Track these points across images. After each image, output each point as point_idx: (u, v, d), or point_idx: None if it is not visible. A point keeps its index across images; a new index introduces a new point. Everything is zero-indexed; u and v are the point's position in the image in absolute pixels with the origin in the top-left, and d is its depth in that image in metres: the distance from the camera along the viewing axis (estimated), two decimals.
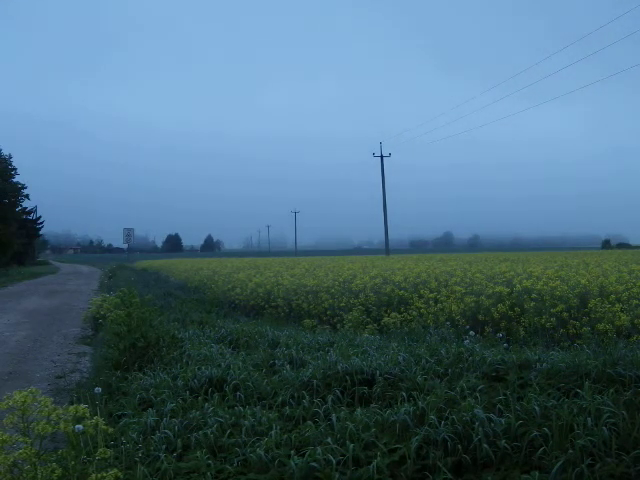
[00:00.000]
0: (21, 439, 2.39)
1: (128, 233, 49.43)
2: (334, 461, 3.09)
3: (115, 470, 2.47)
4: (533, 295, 8.02)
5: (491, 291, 8.50)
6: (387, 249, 44.51)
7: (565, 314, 7.21)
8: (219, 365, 5.35)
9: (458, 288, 8.97)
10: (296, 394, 4.45)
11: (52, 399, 2.57)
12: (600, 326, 6.59)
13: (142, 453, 3.36)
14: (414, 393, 4.21)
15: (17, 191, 45.84)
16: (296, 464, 3.09)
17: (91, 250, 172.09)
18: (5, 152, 44.71)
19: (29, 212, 54.01)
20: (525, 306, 7.67)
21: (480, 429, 3.33)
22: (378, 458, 3.12)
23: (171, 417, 3.97)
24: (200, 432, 3.64)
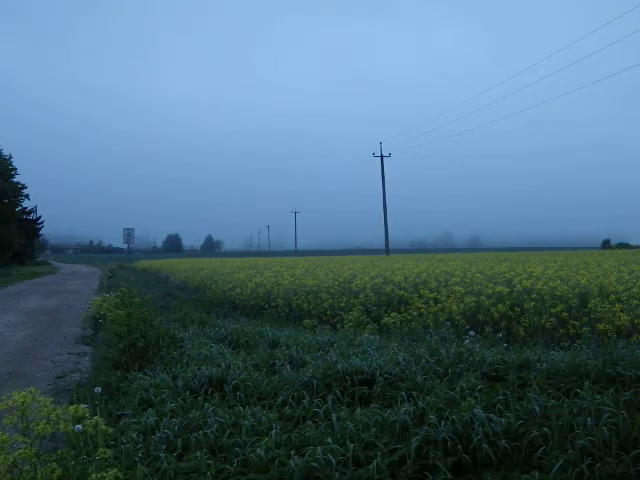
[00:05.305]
0: (21, 439, 2.39)
1: (128, 233, 49.41)
2: (334, 461, 3.09)
3: (115, 470, 2.47)
4: (533, 295, 8.02)
5: (491, 291, 8.50)
6: (387, 249, 44.53)
7: (565, 314, 7.21)
8: (219, 365, 5.35)
9: (458, 288, 8.97)
10: (296, 394, 4.45)
11: (52, 399, 2.57)
12: (600, 326, 6.59)
13: (142, 453, 3.36)
14: (414, 393, 4.21)
15: (17, 191, 45.88)
16: (296, 464, 3.09)
17: (91, 250, 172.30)
18: (5, 152, 44.84)
19: (29, 212, 54.12)
20: (525, 306, 7.66)
21: (480, 429, 3.33)
22: (378, 458, 3.11)
23: (171, 417, 3.98)
24: (200, 432, 3.63)
